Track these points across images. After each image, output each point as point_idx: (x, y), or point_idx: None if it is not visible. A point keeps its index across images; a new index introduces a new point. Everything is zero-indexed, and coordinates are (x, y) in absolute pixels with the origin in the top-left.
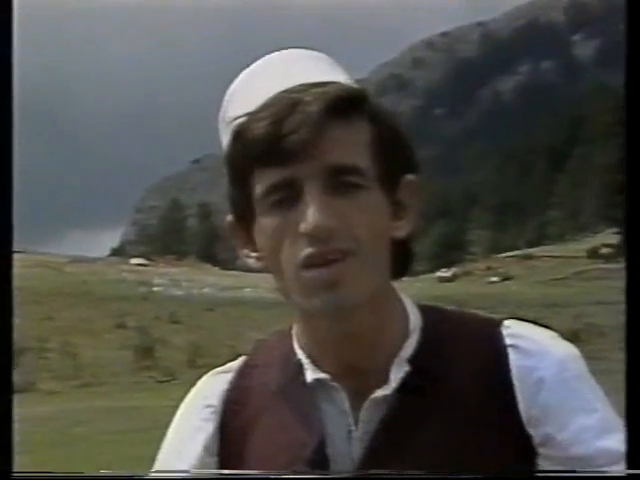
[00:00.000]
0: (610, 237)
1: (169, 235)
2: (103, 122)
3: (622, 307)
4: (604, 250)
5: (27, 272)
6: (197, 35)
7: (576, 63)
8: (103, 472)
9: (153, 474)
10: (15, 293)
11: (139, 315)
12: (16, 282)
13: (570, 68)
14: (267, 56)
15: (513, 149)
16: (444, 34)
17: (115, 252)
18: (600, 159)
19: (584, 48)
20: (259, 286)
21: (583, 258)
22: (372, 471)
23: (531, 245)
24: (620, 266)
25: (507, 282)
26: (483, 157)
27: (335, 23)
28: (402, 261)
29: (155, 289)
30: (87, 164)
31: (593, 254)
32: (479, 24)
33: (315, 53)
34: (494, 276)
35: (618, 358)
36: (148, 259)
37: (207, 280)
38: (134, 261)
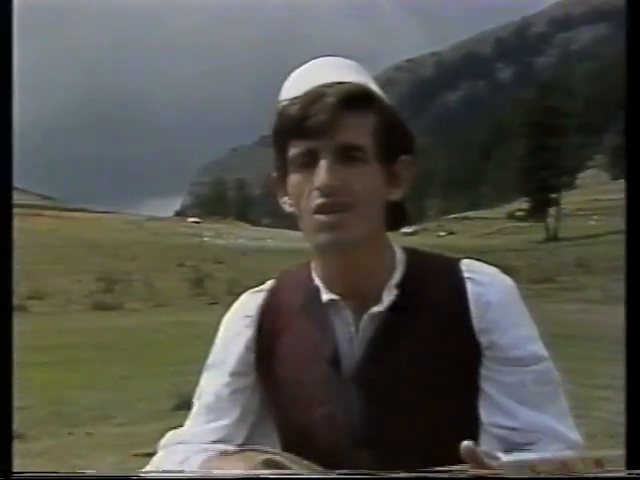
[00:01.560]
0: (522, 204)
1: (215, 202)
2: (169, 116)
3: (530, 253)
4: (517, 213)
5: (119, 227)
6: (240, 40)
7: (499, 82)
8: (102, 473)
9: (153, 474)
10: (108, 242)
11: (194, 257)
12: (110, 234)
13: (495, 86)
14: (311, 61)
15: (456, 143)
16: (409, 60)
17: (177, 213)
18: (516, 150)
19: (504, 72)
20: (277, 238)
21: (503, 219)
22: (371, 471)
23: (468, 210)
24: (528, 224)
25: (451, 236)
26: (436, 149)
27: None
28: (397, 218)
29: (205, 239)
30: (160, 151)
31: (510, 216)
32: (433, 54)
33: (344, 60)
34: (442, 232)
35: (527, 288)
36: (200, 218)
37: (241, 233)
38: (190, 220)
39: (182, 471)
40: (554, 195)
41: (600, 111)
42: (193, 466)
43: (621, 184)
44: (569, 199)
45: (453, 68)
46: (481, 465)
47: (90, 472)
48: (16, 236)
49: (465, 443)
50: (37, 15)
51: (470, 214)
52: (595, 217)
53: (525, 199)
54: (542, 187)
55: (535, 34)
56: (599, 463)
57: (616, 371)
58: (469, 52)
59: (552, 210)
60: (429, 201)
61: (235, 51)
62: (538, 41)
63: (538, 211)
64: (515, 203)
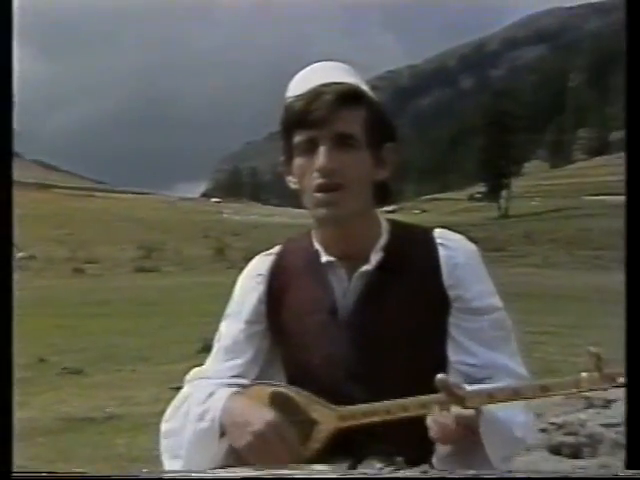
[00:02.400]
0: (480, 188)
1: (232, 186)
2: (196, 115)
3: (487, 227)
4: (476, 195)
5: (155, 205)
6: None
7: (462, 90)
8: (102, 473)
9: (150, 474)
10: (147, 218)
11: (217, 230)
12: (148, 211)
13: (459, 93)
14: (312, 64)
15: (428, 139)
16: (389, 71)
17: (202, 195)
18: (476, 145)
19: (466, 82)
20: (283, 215)
21: (465, 200)
22: (371, 471)
23: (437, 192)
24: (485, 204)
25: (424, 214)
26: (411, 143)
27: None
28: (383, 195)
29: (224, 216)
30: (188, 144)
31: (471, 198)
32: (409, 66)
33: (339, 64)
34: (416, 210)
35: (484, 255)
36: (220, 199)
37: (253, 211)
38: (213, 200)
39: (182, 471)
40: (505, 181)
41: (541, 114)
42: (218, 399)
43: (558, 171)
44: (517, 184)
45: (425, 78)
46: (451, 394)
47: (90, 472)
48: (74, 213)
49: (439, 375)
50: (98, 25)
51: (439, 196)
52: (537, 199)
53: (482, 184)
54: (496, 174)
55: (490, 51)
56: (544, 389)
57: (552, 321)
58: (438, 65)
59: (504, 193)
60: (406, 186)
61: (251, 62)
62: (492, 57)
63: (493, 194)
64: (475, 187)
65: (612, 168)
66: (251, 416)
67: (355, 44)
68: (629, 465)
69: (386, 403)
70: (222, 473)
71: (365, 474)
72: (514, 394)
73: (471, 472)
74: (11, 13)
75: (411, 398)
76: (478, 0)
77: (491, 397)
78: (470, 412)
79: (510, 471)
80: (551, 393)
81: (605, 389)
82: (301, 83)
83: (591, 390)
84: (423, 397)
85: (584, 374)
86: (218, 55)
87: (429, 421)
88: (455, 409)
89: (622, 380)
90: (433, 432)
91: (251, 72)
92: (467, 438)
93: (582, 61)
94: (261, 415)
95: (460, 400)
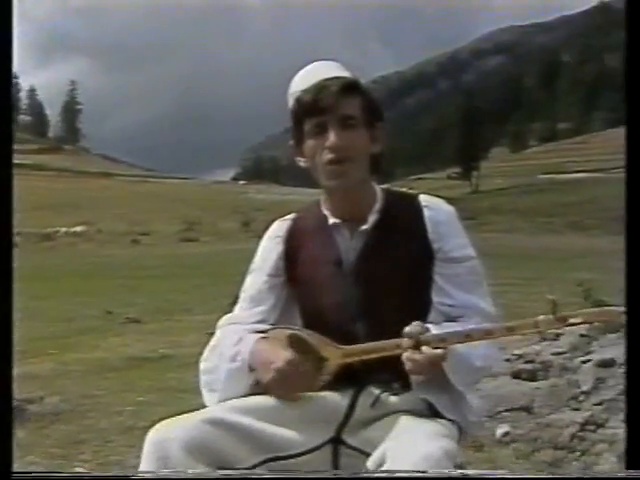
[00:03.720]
0: (455, 169)
1: (256, 170)
2: (227, 111)
3: (461, 201)
4: (453, 175)
5: (194, 188)
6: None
7: (441, 91)
8: (102, 473)
9: (153, 475)
10: (188, 198)
11: (244, 207)
12: (189, 193)
13: (438, 93)
14: (314, 63)
15: (414, 131)
16: (381, 76)
17: (233, 178)
18: (453, 135)
19: (444, 84)
20: (298, 194)
21: (444, 179)
22: (371, 471)
23: (422, 173)
24: (459, 182)
25: (411, 190)
26: (400, 135)
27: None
28: (377, 165)
29: (250, 195)
30: (221, 136)
31: (449, 177)
32: (396, 72)
33: (334, 62)
34: (405, 188)
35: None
36: (247, 182)
37: (273, 191)
38: (241, 182)
39: (181, 471)
40: (475, 163)
41: (503, 110)
42: (247, 344)
43: (517, 155)
44: (485, 165)
45: (409, 81)
46: (417, 340)
47: (89, 473)
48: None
49: (406, 329)
50: (145, 41)
51: (423, 176)
52: (501, 177)
53: (458, 166)
54: (468, 158)
55: (461, 60)
56: (510, 329)
57: (515, 274)
58: (420, 71)
59: (474, 173)
60: (396, 169)
61: (270, 69)
62: (463, 64)
63: (466, 174)
64: (451, 169)
65: (559, 152)
66: (273, 356)
67: (353, 53)
68: (629, 465)
69: (382, 342)
70: (227, 473)
71: (368, 475)
72: (486, 334)
73: (474, 472)
74: (11, 12)
75: (402, 339)
76: (451, 19)
77: (468, 337)
78: (441, 352)
79: (510, 471)
80: (516, 332)
81: (558, 329)
82: (305, 80)
83: (548, 330)
84: (406, 340)
85: (542, 317)
86: (243, 64)
87: (404, 358)
88: (427, 349)
89: (572, 321)
90: (407, 367)
91: (270, 77)
92: (434, 373)
93: (533, 68)
94: (281, 355)
95: (425, 343)
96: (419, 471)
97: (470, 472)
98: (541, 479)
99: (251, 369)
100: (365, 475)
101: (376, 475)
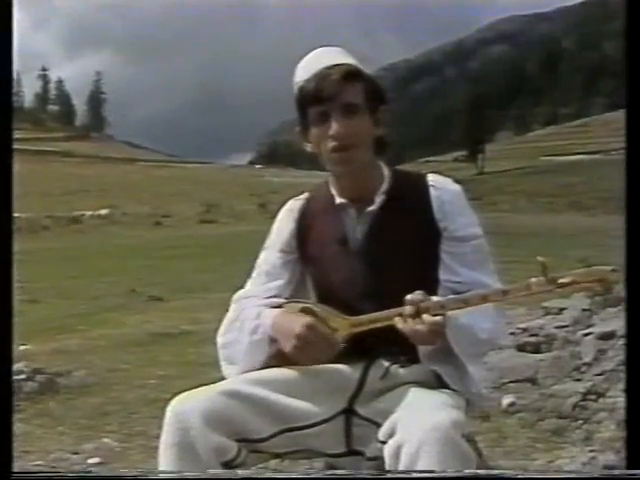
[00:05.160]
0: (462, 152)
1: (272, 155)
2: (244, 99)
3: (467, 182)
4: (460, 157)
5: (213, 172)
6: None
7: (447, 78)
8: (103, 473)
9: (153, 475)
10: (207, 181)
11: (260, 189)
12: (208, 176)
13: (445, 80)
14: (316, 49)
15: (422, 116)
16: (390, 64)
17: (250, 162)
18: (459, 119)
19: (450, 72)
20: (310, 177)
21: (451, 162)
22: (369, 471)
23: (430, 156)
24: (466, 164)
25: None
26: (409, 120)
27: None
28: (381, 146)
29: (266, 178)
30: (238, 122)
31: (456, 159)
32: (405, 60)
33: (335, 48)
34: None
35: None
36: (263, 165)
37: (288, 174)
38: (257, 166)
39: (181, 472)
40: (481, 146)
41: (506, 95)
42: (267, 317)
43: (521, 138)
44: (490, 149)
45: (417, 69)
46: (418, 307)
47: (90, 472)
48: (153, 180)
49: (408, 296)
50: (167, 33)
51: (431, 159)
52: (504, 161)
53: (464, 149)
54: (474, 142)
55: (467, 48)
56: (505, 292)
57: (517, 252)
58: (427, 59)
59: (480, 156)
60: (405, 152)
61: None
62: (469, 52)
63: (472, 156)
64: (458, 152)
65: (561, 135)
66: (292, 324)
67: (364, 42)
68: (629, 465)
69: (386, 311)
70: (223, 473)
71: (367, 474)
72: (483, 299)
73: (472, 472)
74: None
75: (403, 307)
76: (456, 10)
77: (465, 302)
78: (440, 318)
79: (510, 471)
80: (511, 295)
81: (550, 290)
82: (308, 67)
83: (540, 292)
84: (407, 307)
85: (533, 279)
86: (259, 53)
87: (406, 328)
88: (427, 317)
89: (562, 281)
90: (410, 336)
91: (285, 64)
92: (438, 339)
93: (535, 55)
94: (299, 321)
95: (425, 310)
96: (418, 471)
97: (470, 472)
98: (545, 479)
99: (272, 341)
100: (365, 475)
101: (376, 475)
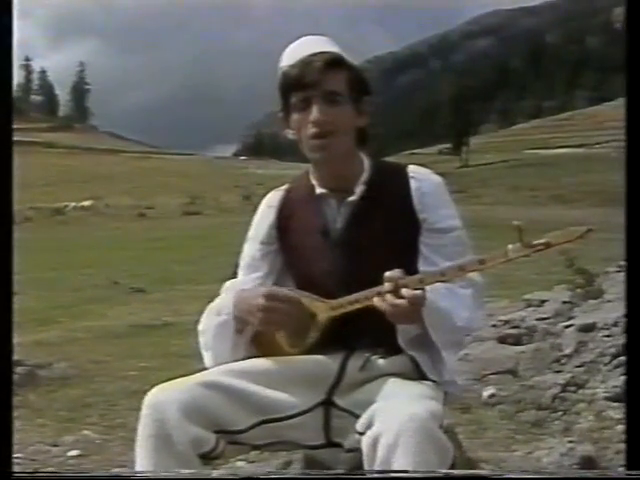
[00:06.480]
0: (446, 145)
1: (256, 147)
2: (229, 91)
3: (451, 175)
4: (444, 150)
5: (197, 163)
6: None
7: (432, 71)
8: (103, 473)
9: (153, 475)
10: (191, 172)
11: (245, 181)
12: (193, 168)
13: (430, 73)
14: (301, 38)
15: (407, 108)
16: (375, 56)
17: (234, 154)
18: (444, 111)
19: (435, 64)
20: (294, 169)
21: (436, 154)
22: (370, 470)
23: (415, 149)
24: (450, 156)
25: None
26: (394, 112)
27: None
28: (363, 137)
29: (250, 170)
30: (223, 113)
31: (440, 152)
32: (390, 52)
33: (321, 37)
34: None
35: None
36: (247, 157)
37: (272, 166)
38: (241, 158)
39: (182, 472)
40: (465, 139)
41: (491, 88)
42: (230, 298)
43: (505, 131)
44: (474, 141)
45: (403, 61)
46: (397, 283)
47: (90, 473)
48: (137, 171)
49: (387, 273)
50: (155, 25)
51: (415, 151)
52: (489, 154)
53: (448, 142)
54: (458, 134)
55: (452, 41)
56: (482, 262)
57: (501, 244)
58: (412, 51)
59: (464, 148)
60: (390, 144)
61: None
62: (453, 45)
63: (456, 149)
64: (443, 144)
65: (544, 129)
66: (251, 298)
67: (350, 35)
68: (629, 465)
69: (364, 291)
70: (220, 474)
71: (367, 474)
72: (460, 270)
73: (472, 472)
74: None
75: (382, 286)
76: (441, 3)
77: (443, 275)
78: (419, 292)
79: (510, 471)
80: (488, 265)
81: (527, 255)
82: (293, 54)
83: (517, 257)
84: (386, 284)
85: (510, 246)
86: (245, 45)
87: (384, 305)
88: (406, 291)
89: (538, 242)
90: (388, 313)
91: (270, 57)
92: (417, 316)
93: (519, 49)
94: (258, 292)
95: (404, 286)
96: (418, 471)
97: (483, 472)
98: (541, 479)
99: (243, 323)
100: (365, 475)
101: (376, 475)
